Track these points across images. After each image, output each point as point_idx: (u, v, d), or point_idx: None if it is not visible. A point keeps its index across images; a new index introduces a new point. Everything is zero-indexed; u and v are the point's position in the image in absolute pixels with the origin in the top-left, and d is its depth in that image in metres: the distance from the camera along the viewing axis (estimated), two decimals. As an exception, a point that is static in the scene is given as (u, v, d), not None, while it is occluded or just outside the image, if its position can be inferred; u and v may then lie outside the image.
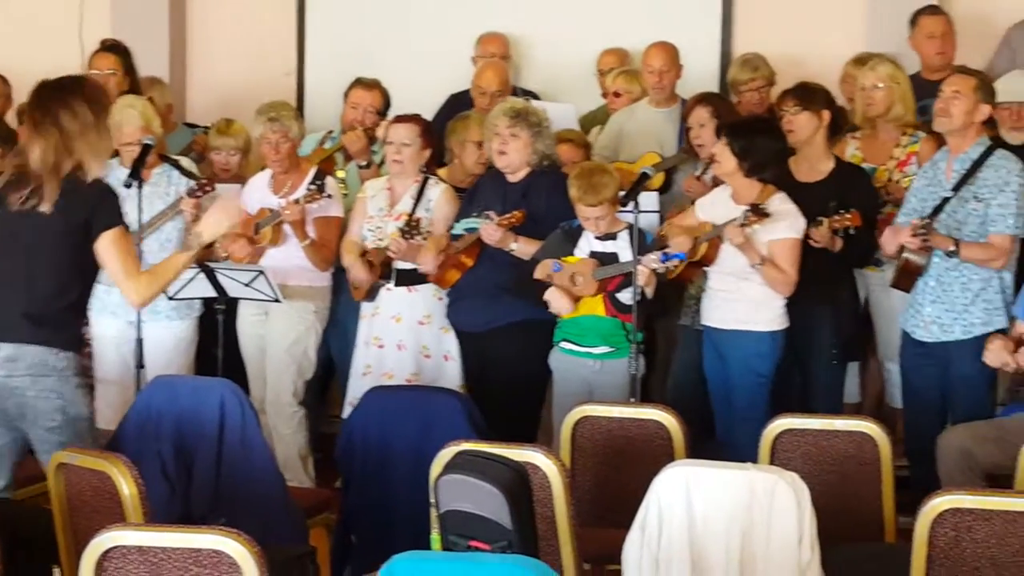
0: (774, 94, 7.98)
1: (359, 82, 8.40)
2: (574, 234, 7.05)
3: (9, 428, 5.62)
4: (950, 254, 6.66)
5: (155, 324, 7.39)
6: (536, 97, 8.76)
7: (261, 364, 7.68)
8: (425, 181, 7.53)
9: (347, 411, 7.25)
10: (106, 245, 5.56)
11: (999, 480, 5.95)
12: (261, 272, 7.28)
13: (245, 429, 6.03)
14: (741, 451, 6.07)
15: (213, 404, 6.04)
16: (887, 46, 8.25)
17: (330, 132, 8.46)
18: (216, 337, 7.40)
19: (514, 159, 7.28)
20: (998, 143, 6.92)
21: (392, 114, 8.05)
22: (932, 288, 6.78)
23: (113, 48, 8.64)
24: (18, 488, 5.85)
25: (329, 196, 7.51)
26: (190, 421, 6.03)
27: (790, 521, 4.91)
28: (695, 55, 8.62)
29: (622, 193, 6.90)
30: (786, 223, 6.82)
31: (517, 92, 8.66)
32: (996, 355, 6.20)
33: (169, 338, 7.52)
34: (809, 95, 7.28)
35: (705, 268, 7.02)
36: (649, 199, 7.39)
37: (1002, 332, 6.50)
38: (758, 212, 6.66)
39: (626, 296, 6.90)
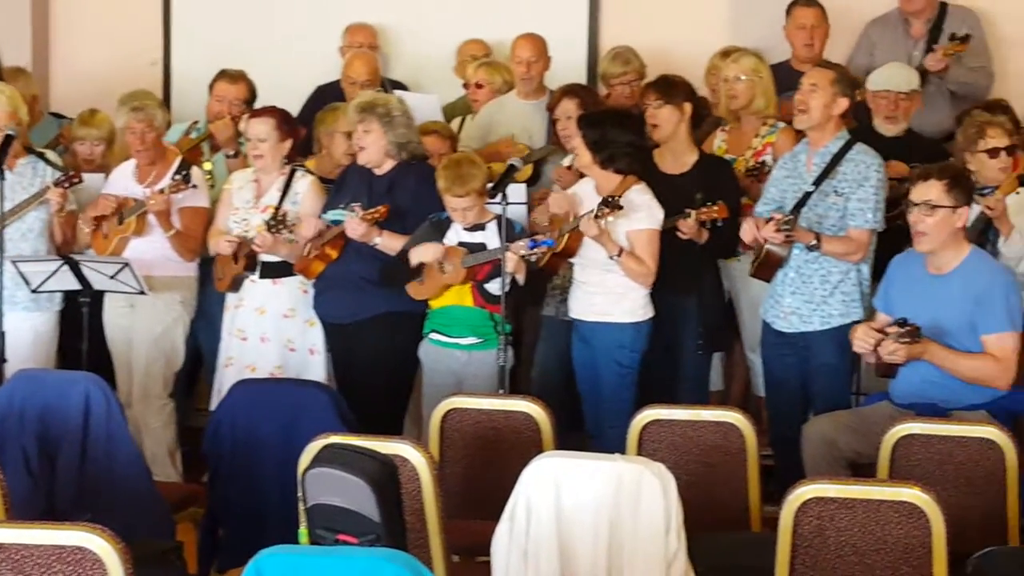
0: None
1: (224, 74, 8.33)
2: (443, 225, 7.06)
3: None
4: (812, 248, 6.73)
5: (12, 315, 7.26)
6: (404, 88, 8.77)
7: (128, 357, 7.60)
8: (292, 173, 7.48)
9: (215, 404, 7.18)
10: None
11: (862, 468, 6.03)
12: (126, 264, 7.21)
13: (110, 423, 5.97)
14: (609, 442, 6.13)
15: (77, 398, 5.97)
16: (750, 39, 8.33)
17: (195, 122, 8.37)
18: (81, 330, 7.30)
19: (372, 153, 7.27)
20: (858, 136, 7.00)
21: (259, 105, 8.00)
22: (792, 279, 6.85)
23: (-26, 38, 8.51)
24: None
25: (195, 186, 7.45)
26: (54, 415, 5.95)
27: (657, 511, 4.95)
28: (563, 47, 8.61)
29: (491, 185, 6.91)
30: (643, 214, 6.86)
31: (385, 83, 8.64)
32: (862, 340, 6.27)
33: (27, 330, 7.41)
34: (670, 89, 7.33)
35: (569, 260, 7.03)
36: (517, 191, 7.40)
37: (858, 323, 6.57)
38: (611, 204, 6.68)
39: (494, 286, 6.91)
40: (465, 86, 8.73)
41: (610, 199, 6.69)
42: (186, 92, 9.37)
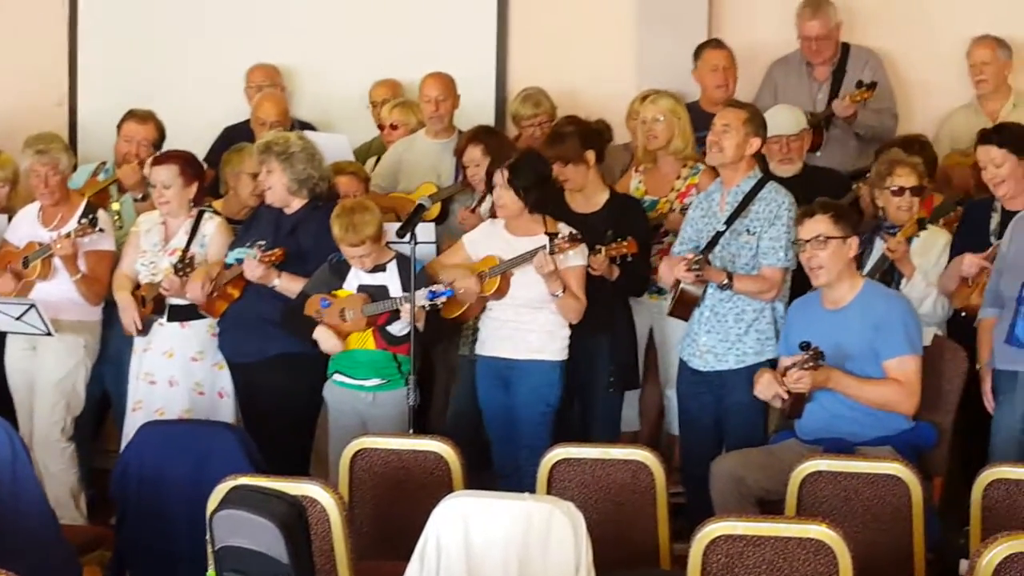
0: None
1: (132, 114, 8.29)
2: (342, 268, 7.02)
3: None
4: (724, 287, 6.78)
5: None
6: (312, 128, 8.75)
7: (29, 400, 7.52)
8: (200, 216, 7.44)
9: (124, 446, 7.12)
10: None
11: (770, 506, 6.05)
12: (32, 306, 7.15)
13: (15, 465, 5.86)
14: (526, 481, 6.13)
15: (-19, 440, 5.89)
16: (658, 81, 8.36)
17: (103, 163, 8.32)
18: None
19: (277, 192, 7.26)
20: (769, 176, 7.07)
21: (168, 146, 7.96)
22: (707, 318, 6.89)
23: None
24: None
25: (101, 230, 7.39)
26: (-43, 458, 5.86)
27: (567, 550, 4.98)
28: (471, 86, 8.64)
29: (398, 225, 6.90)
30: (575, 251, 6.89)
31: (295, 124, 8.63)
32: (766, 388, 6.34)
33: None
34: (567, 151, 7.28)
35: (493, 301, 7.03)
36: (426, 230, 7.40)
37: (773, 361, 6.63)
38: (572, 239, 6.72)
39: (396, 328, 6.90)
40: (380, 127, 8.73)
41: (569, 234, 6.73)
42: (92, 132, 9.32)
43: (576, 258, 6.89)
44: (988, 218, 7.05)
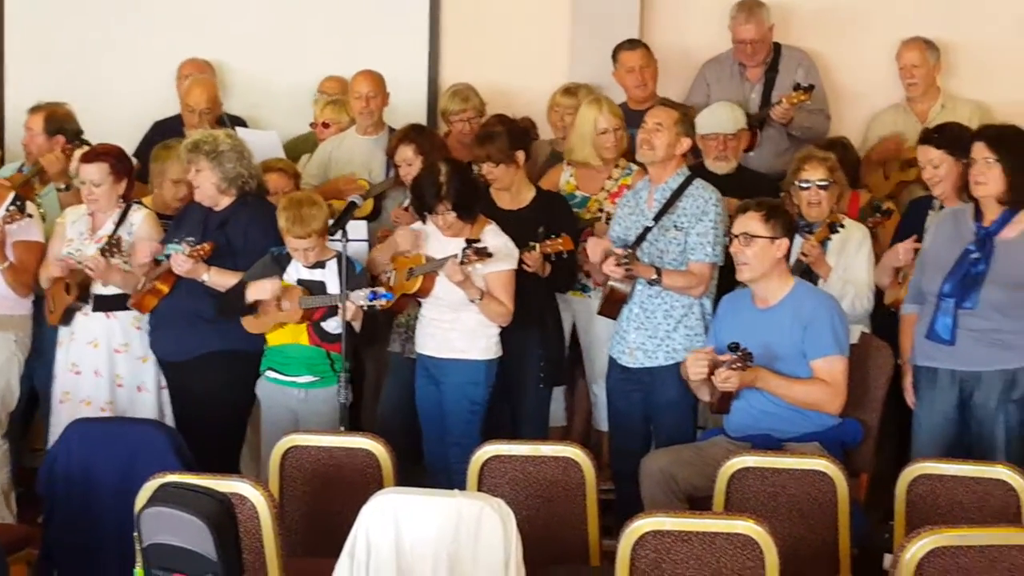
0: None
1: (34, 107, 8.24)
2: (283, 260, 7.02)
3: None
4: (652, 282, 6.82)
5: None
6: (243, 123, 8.72)
7: (-39, 397, 7.45)
8: (128, 207, 7.40)
9: (53, 441, 7.06)
10: None
11: (700, 502, 6.09)
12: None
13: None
14: (457, 478, 6.14)
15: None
16: (590, 78, 8.45)
17: (24, 163, 8.26)
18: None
19: (205, 191, 7.24)
20: (696, 172, 7.11)
21: (98, 140, 7.90)
22: (636, 315, 6.93)
23: None
24: None
25: (30, 216, 7.33)
26: None
27: (496, 546, 5.00)
28: (403, 85, 8.67)
29: (331, 222, 6.90)
30: (500, 256, 6.89)
31: (225, 118, 8.60)
32: (695, 366, 6.35)
33: None
34: (498, 151, 7.30)
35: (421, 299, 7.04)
36: (358, 227, 7.40)
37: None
38: (480, 252, 6.72)
39: (331, 325, 6.90)
40: (313, 125, 8.72)
41: (479, 247, 6.72)
42: (20, 128, 9.22)
43: (501, 263, 6.89)
44: (926, 216, 7.16)
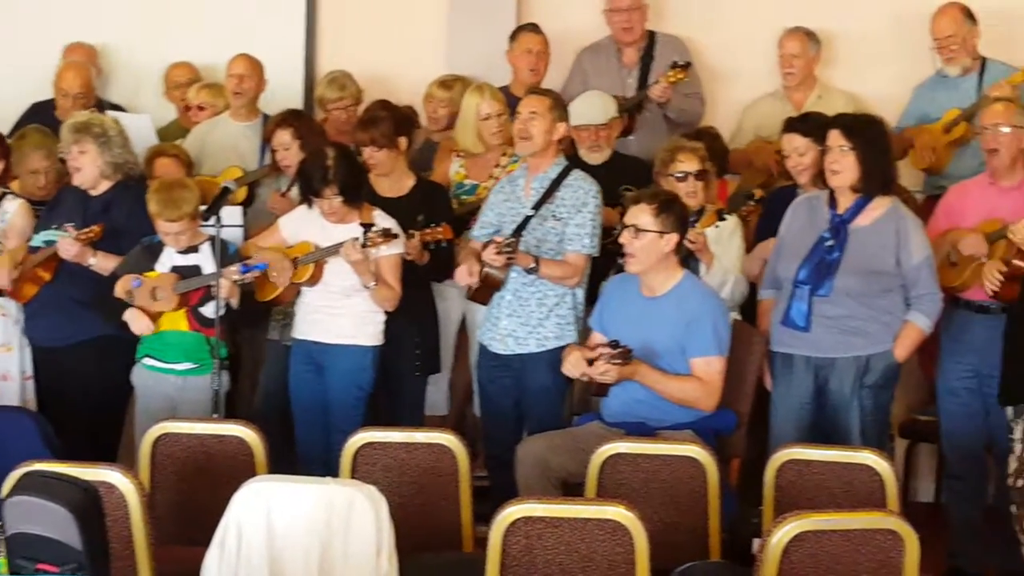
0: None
1: None
2: (155, 249, 6.97)
3: None
4: (530, 271, 6.84)
5: None
6: (121, 109, 8.63)
7: None
8: (2, 196, 7.31)
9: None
10: None
11: (574, 488, 6.12)
12: None
13: None
14: (337, 466, 6.12)
15: None
16: (467, 67, 8.45)
17: None
18: None
19: (87, 174, 7.18)
20: (575, 163, 7.14)
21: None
22: (509, 302, 6.94)
23: None
24: None
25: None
26: None
27: (368, 533, 5.01)
28: (280, 71, 8.62)
29: (204, 207, 6.85)
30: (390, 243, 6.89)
31: (102, 103, 8.51)
32: (574, 365, 6.40)
33: None
34: (381, 136, 7.30)
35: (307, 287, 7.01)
36: (232, 213, 7.34)
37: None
38: (386, 234, 6.72)
39: (209, 310, 6.85)
40: (187, 108, 8.65)
41: (382, 227, 6.73)
42: None
43: (393, 247, 6.89)
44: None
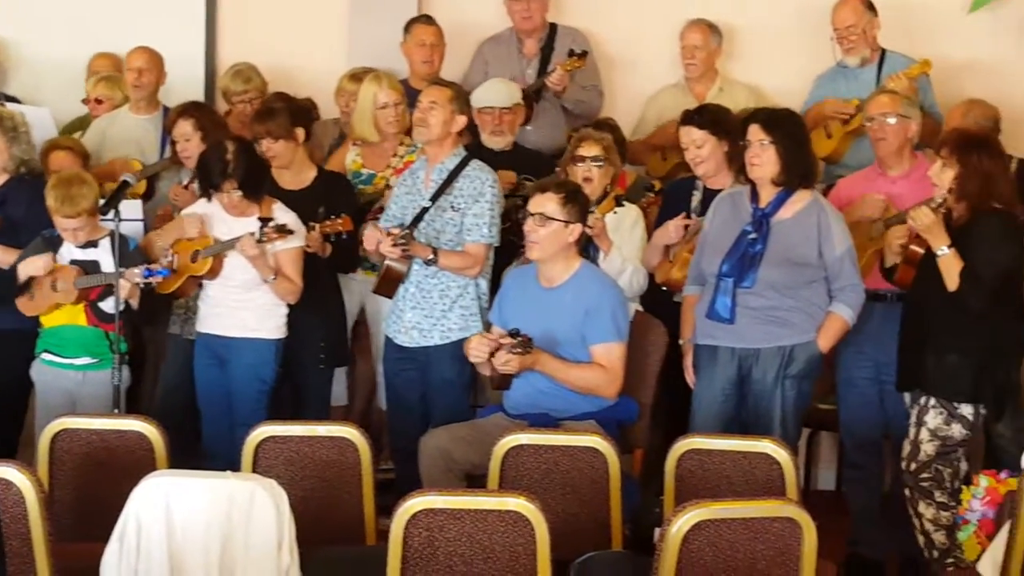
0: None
1: None
2: (55, 242, 6.92)
3: None
4: (429, 263, 6.84)
5: None
6: (18, 101, 8.54)
7: None
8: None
9: None
10: None
11: (478, 480, 6.13)
12: None
13: None
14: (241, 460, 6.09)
15: None
16: (368, 58, 8.41)
17: None
18: None
19: None
20: (473, 152, 7.15)
21: None
22: (412, 294, 6.95)
23: None
24: None
25: None
26: None
27: (269, 527, 5.00)
28: (181, 63, 8.57)
29: (102, 201, 6.80)
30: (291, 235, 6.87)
31: (0, 95, 8.43)
32: (477, 348, 6.40)
33: None
34: (275, 127, 7.29)
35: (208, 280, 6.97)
36: (132, 207, 7.29)
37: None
38: (281, 230, 6.70)
39: (108, 305, 6.80)
40: (85, 101, 8.58)
41: (277, 223, 6.71)
42: None
43: (292, 241, 6.87)
44: (690, 196, 7.27)
